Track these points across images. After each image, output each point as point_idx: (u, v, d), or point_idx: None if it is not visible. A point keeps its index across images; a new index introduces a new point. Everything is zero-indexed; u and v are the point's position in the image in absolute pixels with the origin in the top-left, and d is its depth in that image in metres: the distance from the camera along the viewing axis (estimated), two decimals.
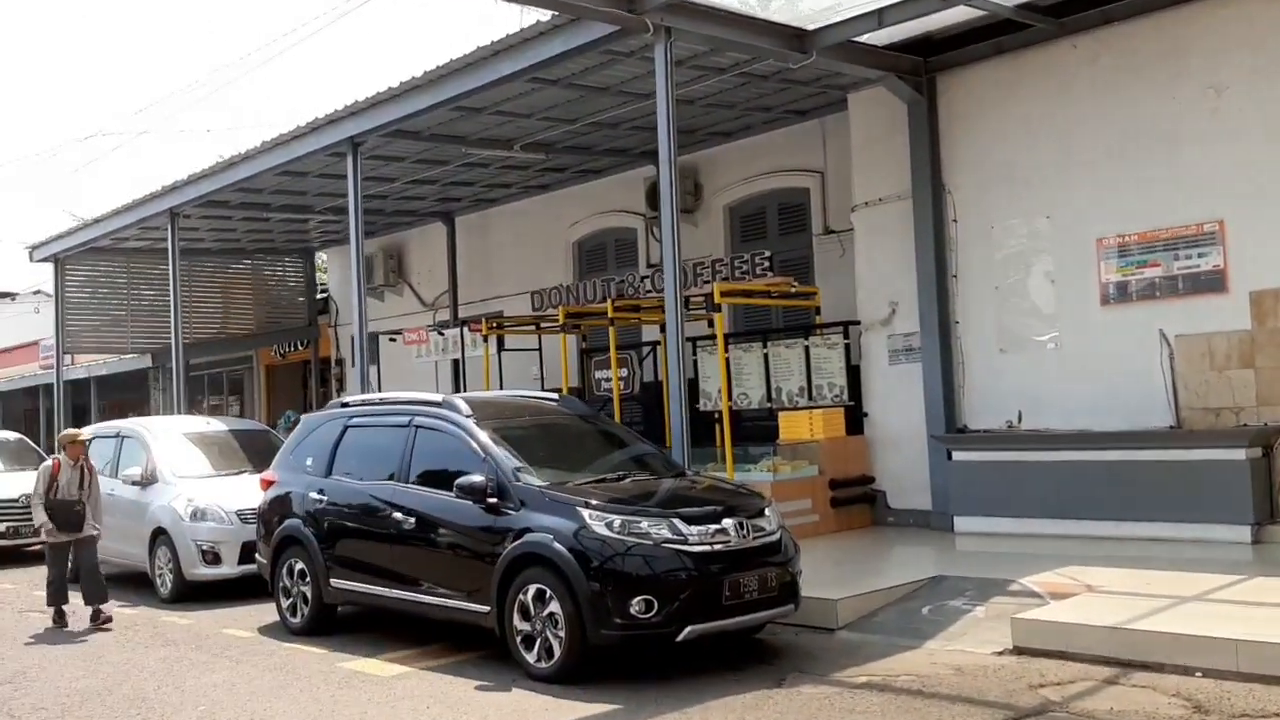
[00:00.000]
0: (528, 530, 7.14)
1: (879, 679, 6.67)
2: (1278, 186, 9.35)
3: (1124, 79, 10.27)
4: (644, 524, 6.93)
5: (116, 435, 12.57)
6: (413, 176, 15.84)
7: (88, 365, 25.30)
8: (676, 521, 6.99)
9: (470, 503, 7.46)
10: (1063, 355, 10.69)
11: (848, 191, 12.76)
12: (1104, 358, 10.32)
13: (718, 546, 7.03)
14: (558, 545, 6.92)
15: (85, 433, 11.19)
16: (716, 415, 12.63)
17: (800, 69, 11.29)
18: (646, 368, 14.70)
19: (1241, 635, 6.28)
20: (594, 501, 7.06)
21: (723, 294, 11.84)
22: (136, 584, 11.66)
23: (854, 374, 12.45)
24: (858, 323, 12.43)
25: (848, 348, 12.55)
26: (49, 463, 10.15)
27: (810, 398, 12.80)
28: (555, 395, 9.31)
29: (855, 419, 12.33)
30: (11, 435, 17.54)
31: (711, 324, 12.66)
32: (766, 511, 7.55)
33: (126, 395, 24.33)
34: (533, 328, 15.23)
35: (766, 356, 13.32)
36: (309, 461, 9.20)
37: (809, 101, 13.27)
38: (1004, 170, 11.15)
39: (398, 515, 8.04)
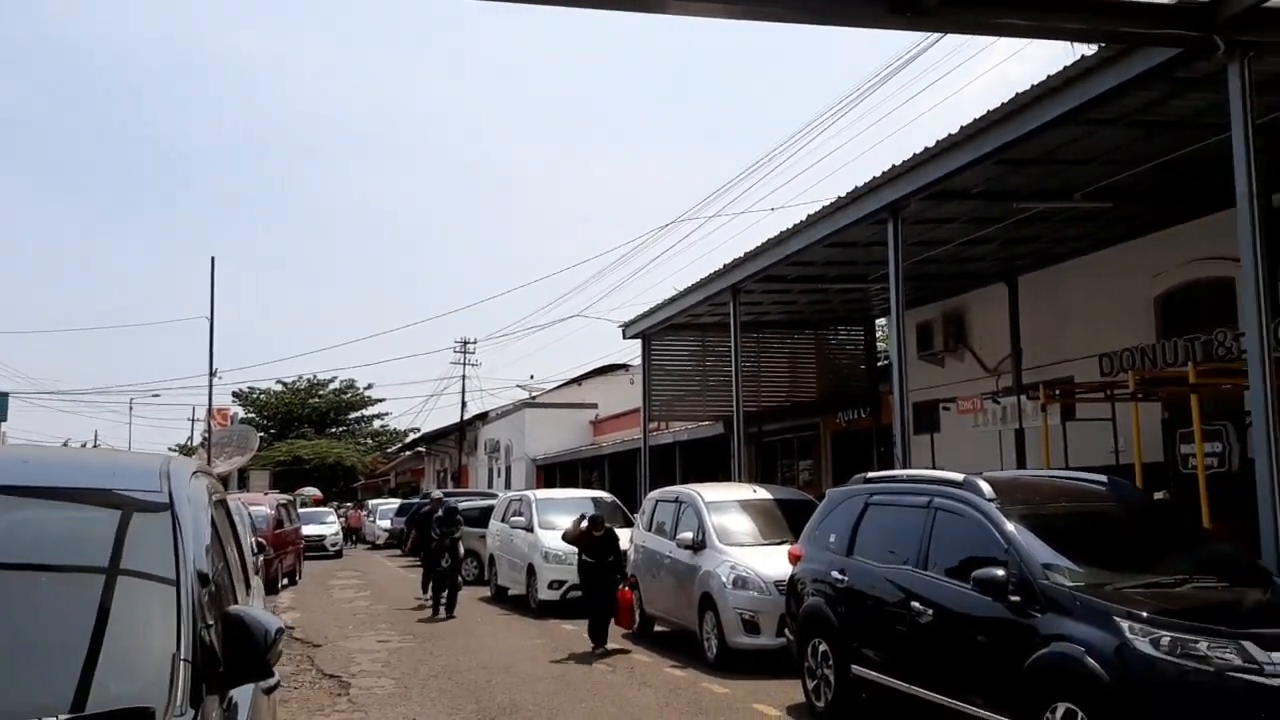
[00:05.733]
0: (1055, 638, 6.14)
1: None
2: None
3: None
4: (1202, 645, 5.62)
5: (676, 500, 13.30)
6: (965, 237, 15.09)
7: (674, 431, 27.58)
8: (1249, 645, 5.58)
9: (990, 599, 6.63)
10: None
11: None
12: None
13: None
14: (1090, 662, 5.85)
15: None
16: None
17: None
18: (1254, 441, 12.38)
19: None
20: (1139, 612, 5.88)
21: None
22: (689, 646, 12.13)
23: None
24: None
25: None
26: None
27: None
28: (1102, 477, 8.05)
29: None
30: (606, 495, 19.50)
31: None
32: None
33: (707, 461, 26.05)
34: (1102, 395, 13.63)
35: None
36: (832, 538, 8.89)
37: None
38: None
39: (915, 605, 7.40)
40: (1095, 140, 11.04)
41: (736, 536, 12.04)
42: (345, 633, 14.83)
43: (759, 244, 15.87)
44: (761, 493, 13.20)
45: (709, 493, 12.96)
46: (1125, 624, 5.82)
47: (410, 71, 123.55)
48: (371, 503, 48.65)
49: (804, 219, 14.45)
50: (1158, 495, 11.93)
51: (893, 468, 12.17)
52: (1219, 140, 10.86)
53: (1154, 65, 8.65)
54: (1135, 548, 7.22)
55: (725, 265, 17.11)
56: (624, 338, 22.61)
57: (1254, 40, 7.92)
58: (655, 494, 14.54)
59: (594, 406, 41.96)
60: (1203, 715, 5.54)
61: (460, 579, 17.68)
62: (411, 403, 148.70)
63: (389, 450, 72.46)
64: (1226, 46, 7.94)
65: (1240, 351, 11.39)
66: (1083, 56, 9.13)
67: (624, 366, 40.49)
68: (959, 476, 7.75)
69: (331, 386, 75.50)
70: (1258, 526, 7.78)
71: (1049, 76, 9.57)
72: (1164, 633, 5.70)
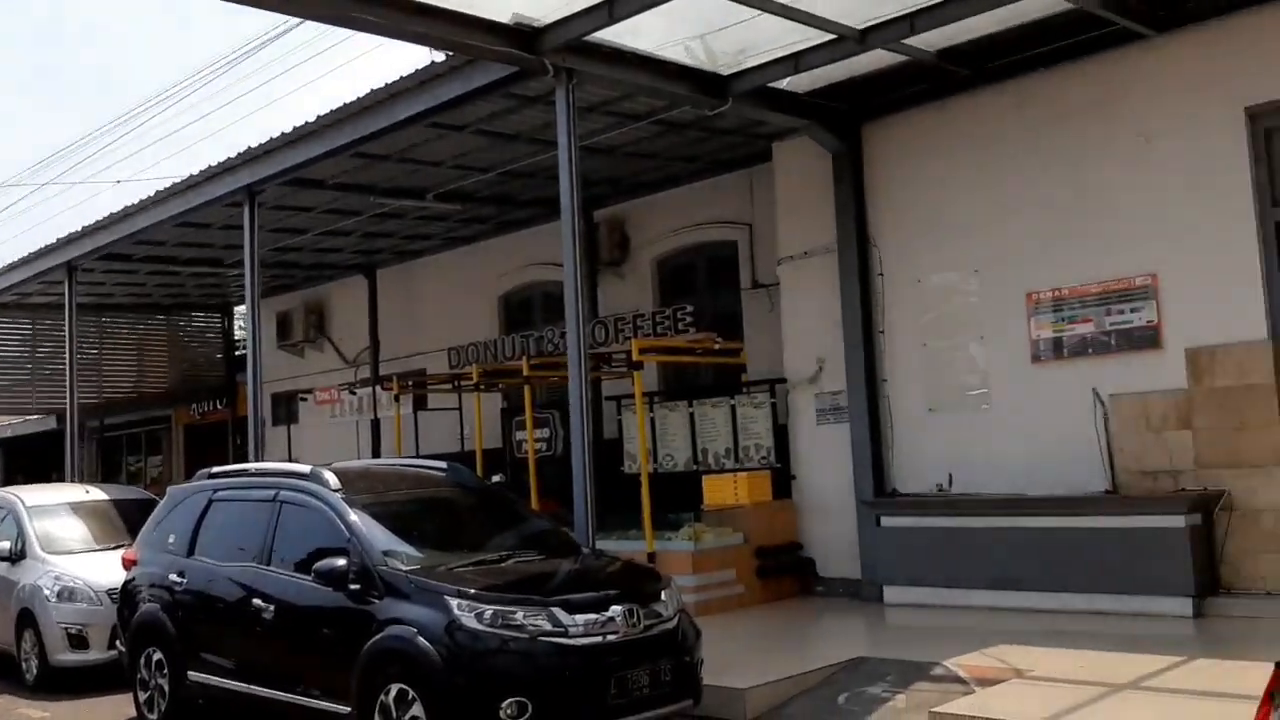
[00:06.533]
0: (392, 621, 6.36)
1: None
2: (1210, 238, 8.87)
3: (1053, 127, 9.79)
4: (519, 615, 6.17)
5: None
6: (326, 227, 15.11)
7: None
8: (557, 611, 6.24)
9: (331, 590, 6.68)
10: (993, 415, 10.12)
11: (776, 244, 12.22)
12: (1037, 418, 9.75)
13: (606, 638, 6.30)
14: (421, 640, 6.14)
15: None
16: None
17: (722, 117, 10.79)
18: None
19: None
20: (465, 589, 6.30)
21: (641, 350, 11.19)
22: (6, 669, 10.65)
23: (782, 435, 11.85)
24: (785, 380, 11.82)
25: (774, 407, 11.98)
26: None
27: (737, 459, 12.20)
28: (443, 464, 8.55)
29: (784, 482, 11.67)
30: None
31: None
32: (663, 595, 6.84)
33: (38, 460, 23.20)
34: (450, 386, 14.46)
35: (692, 416, 12.75)
36: (171, 539, 8.36)
37: (735, 151, 12.75)
38: (932, 222, 10.65)
39: (257, 602, 7.22)
40: (446, 144, 11.65)
41: (65, 543, 10.84)
42: None
43: (101, 218, 14.50)
44: (96, 493, 12.03)
45: (31, 496, 11.53)
46: (454, 602, 6.18)
47: None
48: None
49: (153, 194, 13.47)
50: (496, 478, 12.98)
51: (247, 461, 11.83)
52: (551, 156, 12.10)
53: (494, 80, 9.36)
54: (469, 529, 7.74)
55: (59, 240, 15.40)
56: None
57: (576, 68, 8.90)
58: None
59: None
60: (520, 678, 6.05)
61: None
62: None
63: None
64: (554, 71, 8.83)
65: (564, 348, 12.79)
66: (433, 62, 9.59)
67: None
68: (306, 468, 7.72)
69: None
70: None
71: (401, 77, 9.92)
72: (487, 606, 6.16)
